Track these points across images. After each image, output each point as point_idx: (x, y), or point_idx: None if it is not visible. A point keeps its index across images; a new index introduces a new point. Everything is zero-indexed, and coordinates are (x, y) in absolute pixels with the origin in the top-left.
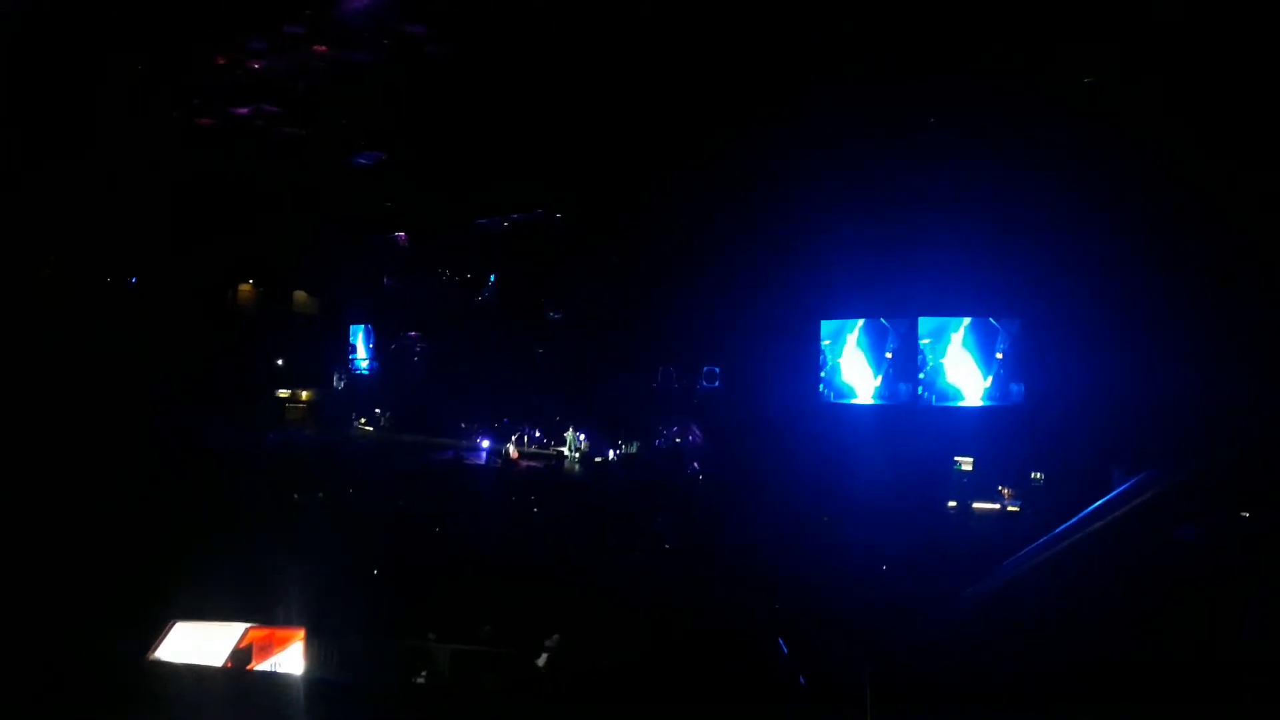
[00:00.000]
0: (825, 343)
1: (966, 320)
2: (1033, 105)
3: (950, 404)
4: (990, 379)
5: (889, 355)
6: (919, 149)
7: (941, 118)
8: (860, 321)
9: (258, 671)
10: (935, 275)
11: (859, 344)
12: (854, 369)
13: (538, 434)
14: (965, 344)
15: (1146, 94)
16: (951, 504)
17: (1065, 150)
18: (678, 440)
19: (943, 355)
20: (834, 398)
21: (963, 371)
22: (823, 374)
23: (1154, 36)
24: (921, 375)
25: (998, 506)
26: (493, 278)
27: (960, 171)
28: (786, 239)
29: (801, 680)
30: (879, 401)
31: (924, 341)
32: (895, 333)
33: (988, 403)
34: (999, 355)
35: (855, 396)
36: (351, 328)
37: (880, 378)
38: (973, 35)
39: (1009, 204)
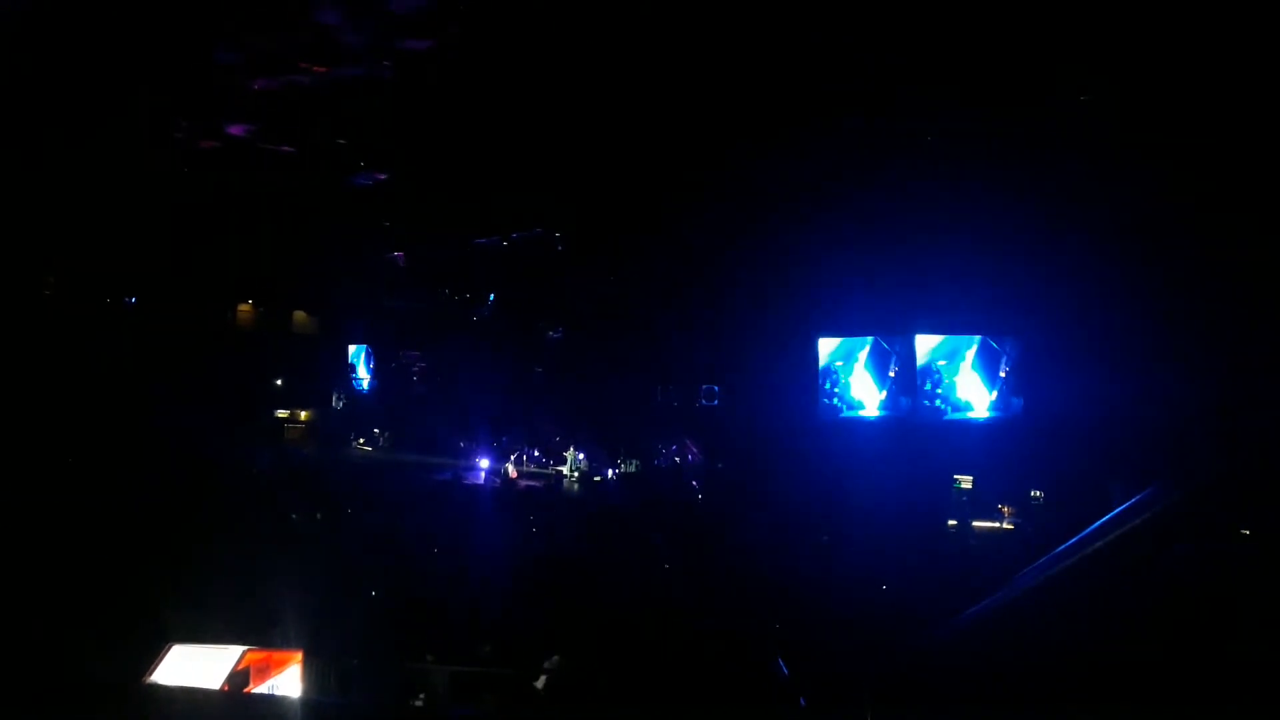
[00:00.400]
0: (838, 364)
1: (975, 340)
2: (1029, 125)
3: (955, 418)
4: (994, 395)
5: (892, 374)
6: (917, 168)
7: (940, 138)
8: (870, 341)
9: (255, 694)
10: (933, 294)
11: (865, 363)
12: (860, 386)
13: (536, 453)
14: (971, 364)
15: (1142, 112)
16: (952, 522)
17: (1063, 167)
18: (676, 459)
19: (950, 374)
20: (844, 411)
21: (966, 390)
22: (835, 389)
23: (1147, 57)
24: (939, 391)
25: (997, 524)
26: (492, 297)
27: (957, 189)
28: (784, 258)
29: (802, 702)
30: (884, 413)
31: (940, 363)
32: (895, 351)
33: (993, 414)
34: (1003, 374)
35: (863, 408)
36: (351, 347)
37: (885, 391)
38: (972, 56)
39: (1006, 222)
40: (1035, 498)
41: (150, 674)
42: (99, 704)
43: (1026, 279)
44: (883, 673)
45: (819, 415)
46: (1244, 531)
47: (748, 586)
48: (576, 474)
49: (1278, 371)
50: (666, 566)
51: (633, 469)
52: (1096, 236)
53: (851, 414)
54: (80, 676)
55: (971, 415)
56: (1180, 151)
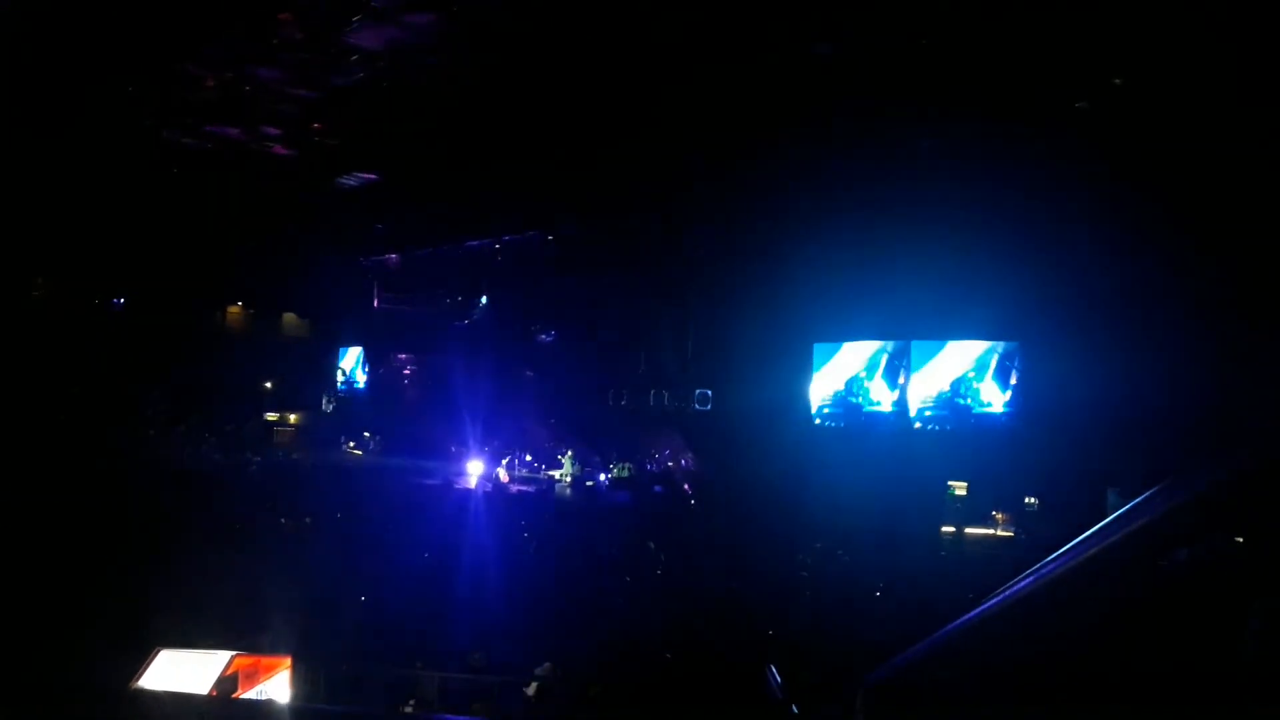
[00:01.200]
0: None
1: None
2: (1027, 127)
3: (958, 422)
4: (1008, 395)
5: (901, 380)
6: (913, 170)
7: (937, 143)
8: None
9: (244, 699)
10: (930, 298)
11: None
12: (877, 389)
13: (528, 458)
14: (993, 372)
15: (1137, 111)
16: (947, 529)
17: (1057, 169)
18: (669, 464)
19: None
20: (865, 408)
21: (989, 394)
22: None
23: (1143, 59)
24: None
25: (992, 531)
26: (484, 300)
27: (953, 193)
28: (779, 262)
29: (794, 709)
30: (896, 409)
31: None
32: (903, 364)
33: (1007, 410)
34: (1013, 381)
35: (879, 405)
36: (341, 350)
37: (897, 392)
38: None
39: (1003, 225)
40: (1030, 504)
41: (137, 679)
42: (85, 709)
43: (1024, 284)
44: (875, 680)
45: (811, 421)
46: (1238, 539)
47: (740, 593)
48: (569, 479)
49: (1278, 373)
50: (659, 573)
51: (625, 474)
52: (1093, 241)
53: (870, 411)
54: (67, 681)
55: (990, 410)
56: (1180, 153)
